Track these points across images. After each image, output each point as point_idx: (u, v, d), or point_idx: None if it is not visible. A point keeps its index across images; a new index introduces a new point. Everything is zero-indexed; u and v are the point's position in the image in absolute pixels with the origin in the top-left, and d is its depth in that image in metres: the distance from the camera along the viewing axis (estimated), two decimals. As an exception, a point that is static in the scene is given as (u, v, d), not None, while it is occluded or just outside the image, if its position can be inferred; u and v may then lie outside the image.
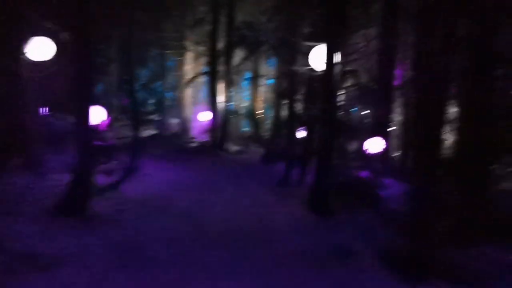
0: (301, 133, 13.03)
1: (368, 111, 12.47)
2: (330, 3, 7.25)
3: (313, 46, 8.06)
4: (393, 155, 16.48)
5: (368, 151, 10.74)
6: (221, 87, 18.67)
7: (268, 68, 22.68)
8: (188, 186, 9.55)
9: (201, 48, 19.09)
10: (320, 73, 8.07)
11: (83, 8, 6.44)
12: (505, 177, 8.34)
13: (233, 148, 17.87)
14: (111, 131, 15.63)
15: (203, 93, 25.13)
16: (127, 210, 7.19)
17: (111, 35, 15.30)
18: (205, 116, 20.35)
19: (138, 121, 10.78)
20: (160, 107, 24.18)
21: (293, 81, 10.73)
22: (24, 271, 4.52)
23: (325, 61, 7.44)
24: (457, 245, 5.62)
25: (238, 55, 17.97)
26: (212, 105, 17.18)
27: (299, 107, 11.82)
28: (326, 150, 7.74)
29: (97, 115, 11.08)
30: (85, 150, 6.60)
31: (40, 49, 8.65)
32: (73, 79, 6.97)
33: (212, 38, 16.89)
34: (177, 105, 22.90)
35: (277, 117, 19.21)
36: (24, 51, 8.50)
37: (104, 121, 11.66)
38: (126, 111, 18.49)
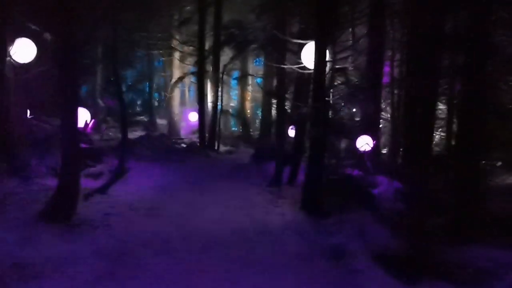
0: (291, 132, 12.98)
1: (357, 109, 12.45)
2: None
3: (302, 44, 7.97)
4: (382, 153, 16.58)
5: (358, 149, 10.71)
6: (209, 87, 18.55)
7: (257, 67, 22.65)
8: (178, 188, 9.39)
9: (189, 48, 18.93)
10: (310, 71, 7.98)
11: (64, 8, 6.24)
12: (496, 173, 8.36)
13: (223, 148, 17.76)
14: (98, 133, 15.42)
15: (191, 93, 25.02)
16: (115, 215, 7.01)
17: (96, 36, 15.06)
18: (193, 117, 20.19)
19: (125, 122, 10.57)
20: (148, 108, 23.97)
21: (282, 79, 10.63)
22: (7, 281, 4.33)
23: (315, 59, 7.35)
24: (452, 243, 5.58)
25: (227, 54, 17.86)
26: (200, 105, 17.02)
27: (288, 105, 11.75)
28: (317, 149, 7.66)
29: (82, 117, 10.87)
30: (71, 154, 6.40)
31: (23, 50, 8.44)
32: (57, 81, 6.77)
33: (200, 37, 16.72)
34: (165, 106, 22.72)
35: (266, 116, 19.19)
36: (9, 53, 8.28)
37: (89, 123, 11.45)
38: (113, 112, 18.31)
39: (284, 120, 11.40)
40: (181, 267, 5.08)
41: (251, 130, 23.39)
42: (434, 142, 6.19)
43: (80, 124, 10.82)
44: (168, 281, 4.70)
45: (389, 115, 16.65)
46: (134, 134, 18.97)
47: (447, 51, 5.97)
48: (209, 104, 18.19)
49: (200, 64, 17.00)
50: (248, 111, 23.51)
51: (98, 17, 10.26)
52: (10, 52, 8.22)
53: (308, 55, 7.70)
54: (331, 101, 8.03)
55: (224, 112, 20.05)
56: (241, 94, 23.12)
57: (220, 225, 6.76)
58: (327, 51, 7.44)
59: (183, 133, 20.63)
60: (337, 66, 8.23)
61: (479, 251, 5.38)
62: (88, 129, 11.70)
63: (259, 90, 22.35)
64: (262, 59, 19.71)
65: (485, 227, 6.16)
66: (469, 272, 4.87)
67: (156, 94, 25.75)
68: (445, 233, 5.91)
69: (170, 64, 20.37)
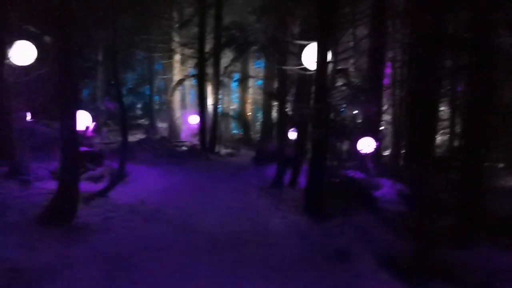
0: (292, 134, 12.91)
1: (359, 110, 12.38)
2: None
3: (303, 45, 7.91)
4: (383, 154, 16.50)
5: (360, 151, 10.64)
6: (210, 89, 18.50)
7: (257, 70, 22.60)
8: (179, 191, 9.32)
9: (189, 51, 18.89)
10: (312, 72, 7.92)
11: (63, 9, 6.18)
12: (498, 174, 8.27)
13: (224, 150, 17.71)
14: (98, 137, 15.37)
15: (192, 96, 24.98)
16: (115, 218, 6.93)
17: (96, 38, 15.05)
18: (194, 119, 20.14)
19: (126, 125, 10.51)
20: (148, 111, 23.95)
21: (283, 81, 10.56)
22: (5, 287, 4.26)
23: (317, 60, 7.29)
24: (456, 245, 5.49)
25: (227, 56, 17.81)
26: (201, 108, 16.96)
27: (289, 107, 11.69)
28: (319, 150, 7.58)
29: (83, 120, 10.82)
30: (70, 157, 6.33)
31: (22, 53, 8.41)
32: (57, 84, 6.72)
33: (200, 39, 16.67)
34: (166, 109, 22.68)
35: (267, 119, 19.14)
36: (8, 56, 8.24)
37: (89, 126, 11.39)
38: (114, 116, 18.28)
39: (285, 122, 11.33)
40: (181, 272, 4.99)
41: (251, 132, 23.34)
42: (436, 143, 6.10)
43: (81, 127, 10.79)
44: (168, 286, 4.62)
45: (390, 117, 16.61)
46: (135, 137, 18.95)
47: (449, 51, 5.89)
48: (210, 107, 18.13)
49: (200, 67, 16.95)
50: (249, 113, 23.46)
51: (98, 19, 10.25)
52: (9, 54, 8.18)
53: (309, 56, 7.64)
54: (332, 103, 7.94)
55: (224, 114, 20.03)
56: (242, 96, 23.08)
57: (221, 228, 6.68)
58: (329, 52, 7.37)
59: (183, 136, 20.57)
60: (338, 67, 8.16)
61: (484, 253, 5.30)
62: (89, 132, 11.65)
63: (260, 92, 22.32)
64: (262, 61, 19.67)
65: (488, 229, 6.08)
66: (478, 276, 4.77)
67: (156, 97, 25.73)
68: (448, 235, 5.82)
69: (170, 67, 20.32)
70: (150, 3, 15.12)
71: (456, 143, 10.38)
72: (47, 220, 6.10)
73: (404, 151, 15.10)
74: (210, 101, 18.33)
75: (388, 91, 15.54)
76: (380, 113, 12.98)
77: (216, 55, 16.78)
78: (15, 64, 8.40)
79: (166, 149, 16.11)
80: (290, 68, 9.31)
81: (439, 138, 12.01)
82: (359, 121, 11.93)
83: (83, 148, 10.05)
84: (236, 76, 22.43)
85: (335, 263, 5.32)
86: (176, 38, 18.96)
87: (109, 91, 19.37)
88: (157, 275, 4.88)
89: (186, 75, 20.00)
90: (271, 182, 10.39)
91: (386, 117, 16.61)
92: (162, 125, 23.47)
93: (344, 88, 10.18)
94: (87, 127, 11.18)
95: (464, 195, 6.07)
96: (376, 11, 11.43)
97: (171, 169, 11.88)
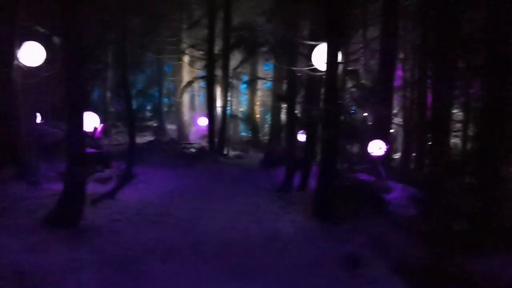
0: (301, 136, 12.77)
1: (369, 112, 12.21)
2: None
3: (313, 46, 7.79)
4: (394, 157, 16.28)
5: (370, 154, 10.47)
6: (219, 91, 18.45)
7: (266, 72, 22.50)
8: (187, 193, 9.23)
9: (198, 52, 18.87)
10: (321, 73, 7.78)
11: (73, 11, 6.14)
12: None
13: (232, 152, 17.63)
14: (107, 138, 15.39)
15: (200, 98, 24.96)
16: (122, 220, 6.86)
17: (106, 40, 15.08)
18: (203, 121, 20.10)
19: (134, 127, 10.48)
20: (157, 113, 23.98)
21: (292, 82, 10.43)
22: (9, 290, 4.20)
23: (327, 60, 7.15)
24: (472, 251, 5.30)
25: (236, 59, 17.76)
26: (210, 110, 16.91)
27: (298, 109, 11.56)
28: (329, 153, 7.43)
29: (91, 121, 10.82)
30: (77, 159, 6.28)
31: (31, 54, 8.40)
32: (64, 85, 6.67)
33: (209, 41, 16.62)
34: (175, 111, 22.68)
35: (275, 121, 19.02)
36: (17, 57, 8.24)
37: (98, 128, 11.38)
38: (123, 117, 18.30)
39: (294, 124, 11.19)
40: (187, 276, 4.89)
41: (260, 134, 23.24)
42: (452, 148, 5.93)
43: (89, 128, 10.80)
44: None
45: (401, 119, 16.40)
46: (144, 139, 18.95)
47: (463, 52, 5.72)
48: (219, 109, 18.07)
49: (209, 68, 16.90)
50: (258, 115, 23.36)
51: (107, 21, 10.24)
52: (18, 55, 8.18)
53: (319, 57, 7.51)
54: (343, 104, 7.80)
55: (233, 116, 19.93)
56: (251, 98, 22.99)
57: (228, 232, 6.55)
58: (339, 53, 7.23)
59: (192, 138, 20.55)
60: (349, 68, 8.02)
61: (501, 261, 5.10)
62: (97, 134, 11.64)
63: (269, 94, 22.21)
64: (271, 63, 19.57)
65: (504, 235, 5.87)
66: (495, 285, 4.58)
67: (165, 99, 25.76)
68: (463, 241, 5.63)
69: (179, 68, 20.33)
70: (159, 5, 15.10)
71: (469, 146, 10.19)
72: (53, 222, 6.06)
73: (415, 154, 14.92)
74: (219, 103, 18.28)
75: (399, 93, 15.36)
76: (390, 115, 12.81)
77: (225, 56, 16.71)
78: (24, 65, 8.39)
79: (174, 151, 16.06)
80: (299, 69, 9.18)
81: (451, 141, 11.79)
82: (369, 123, 11.77)
83: (90, 150, 10.04)
84: (245, 77, 22.36)
85: (347, 269, 5.16)
86: (185, 40, 18.94)
87: (119, 93, 19.41)
88: (163, 280, 4.78)
89: (195, 77, 19.99)
90: (280, 184, 10.25)
91: (397, 119, 16.41)
92: (171, 127, 23.49)
93: (354, 89, 10.05)
94: (95, 129, 11.17)
95: (479, 200, 5.88)
96: (387, 12, 11.26)
97: (179, 171, 11.80)
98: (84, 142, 6.64)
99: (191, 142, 19.27)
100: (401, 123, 16.27)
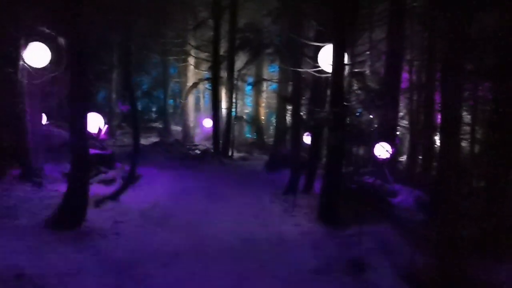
0: (306, 139, 12.67)
1: (374, 115, 12.10)
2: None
3: (319, 47, 7.70)
4: (399, 160, 16.13)
5: (377, 157, 10.35)
6: (224, 93, 18.40)
7: (271, 74, 22.44)
8: (191, 195, 9.17)
9: (203, 54, 18.85)
10: (327, 74, 7.69)
11: (76, 11, 6.11)
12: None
13: (237, 154, 17.56)
14: (111, 139, 15.38)
15: (206, 99, 24.94)
16: (125, 222, 6.80)
17: (111, 41, 15.08)
18: (208, 123, 20.06)
19: (138, 128, 10.44)
20: (162, 114, 23.99)
21: (298, 84, 10.34)
22: (8, 294, 4.14)
23: (333, 62, 7.06)
24: (482, 258, 5.17)
25: (241, 61, 17.71)
26: (215, 111, 16.86)
27: (304, 111, 11.46)
28: (335, 155, 7.33)
29: (96, 123, 10.80)
30: (80, 160, 6.23)
31: (36, 55, 8.39)
32: (69, 86, 6.64)
33: (214, 42, 16.58)
34: (180, 112, 22.67)
35: (280, 123, 18.93)
36: (22, 57, 8.23)
37: (102, 129, 11.36)
38: (128, 118, 18.30)
39: (299, 126, 11.10)
40: (191, 280, 4.82)
41: (265, 136, 23.15)
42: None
43: (93, 129, 10.78)
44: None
45: (407, 122, 16.25)
46: (148, 140, 18.97)
47: (474, 53, 5.60)
48: (224, 111, 18.02)
49: (214, 70, 16.86)
50: (263, 117, 23.29)
51: (112, 22, 10.20)
52: (23, 56, 8.17)
53: (325, 58, 7.42)
54: (349, 106, 7.70)
55: (238, 118, 19.87)
56: (256, 100, 22.92)
57: (232, 235, 6.47)
58: (345, 54, 7.14)
59: (197, 139, 20.52)
60: (355, 70, 7.92)
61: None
62: (101, 135, 11.63)
63: (274, 96, 22.14)
64: (277, 64, 19.51)
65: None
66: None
67: (171, 101, 25.77)
68: (473, 246, 5.50)
69: (184, 70, 20.32)
70: (165, 6, 15.08)
71: (476, 149, 10.04)
72: (56, 224, 6.01)
73: (421, 157, 14.77)
74: (224, 105, 18.23)
75: (405, 95, 15.22)
76: (396, 118, 12.68)
77: (230, 58, 16.67)
78: (29, 66, 8.37)
79: (179, 153, 16.04)
80: (305, 70, 9.09)
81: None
82: (375, 126, 11.66)
83: (95, 151, 10.00)
84: (250, 79, 22.31)
85: (352, 275, 5.06)
86: (191, 41, 18.93)
87: (124, 94, 19.42)
88: (166, 284, 4.71)
89: (200, 79, 19.96)
90: (284, 187, 10.16)
91: (403, 122, 16.27)
92: (176, 128, 23.48)
93: (360, 92, 9.94)
94: (100, 130, 11.15)
95: (489, 204, 5.75)
96: (393, 13, 11.15)
97: (183, 173, 11.76)
98: (88, 143, 6.60)
99: (196, 143, 19.24)
100: (407, 125, 16.12)
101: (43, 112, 11.36)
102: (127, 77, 11.39)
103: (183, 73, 20.73)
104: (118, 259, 5.25)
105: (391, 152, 10.44)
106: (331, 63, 7.13)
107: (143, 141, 16.38)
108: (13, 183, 8.09)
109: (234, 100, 17.31)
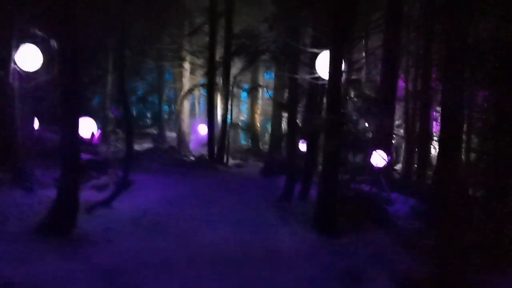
0: (302, 146, 12.59)
1: (371, 123, 12.07)
2: (338, 4, 6.78)
3: (316, 54, 7.64)
4: (395, 169, 16.10)
5: (373, 165, 10.28)
6: (219, 99, 18.35)
7: (267, 81, 22.44)
8: (185, 203, 9.00)
9: (199, 60, 18.80)
10: (324, 81, 7.62)
11: (69, 13, 6.00)
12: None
13: (232, 161, 17.46)
14: (105, 144, 15.21)
15: (201, 105, 24.86)
16: (118, 229, 6.65)
17: (106, 46, 14.99)
18: (203, 129, 19.97)
19: (132, 134, 10.31)
20: (157, 120, 23.85)
21: (294, 91, 10.28)
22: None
23: (330, 68, 6.99)
24: (482, 269, 5.07)
25: (237, 67, 17.68)
26: (210, 118, 16.76)
27: (299, 118, 11.39)
28: (332, 163, 7.23)
29: (89, 127, 10.66)
30: (71, 165, 6.09)
31: (28, 57, 8.27)
32: (61, 89, 6.52)
33: (210, 48, 16.53)
34: (175, 118, 22.55)
35: (276, 130, 18.88)
36: (14, 60, 8.10)
37: (95, 134, 11.21)
38: (122, 123, 18.15)
39: (295, 133, 11.02)
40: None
41: (260, 143, 23.08)
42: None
43: (86, 134, 10.63)
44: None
45: (402, 130, 16.25)
46: (143, 146, 18.79)
47: (474, 58, 5.54)
48: (219, 117, 17.94)
49: (210, 76, 16.80)
50: (258, 124, 23.24)
51: (107, 26, 10.12)
52: (15, 59, 8.04)
53: (322, 65, 7.35)
54: (346, 114, 7.63)
55: (233, 125, 19.80)
56: (251, 107, 22.89)
57: (227, 243, 6.32)
58: (344, 59, 7.07)
59: (192, 146, 20.39)
60: (352, 77, 7.86)
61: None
62: (94, 140, 11.48)
63: (269, 103, 22.11)
64: (272, 71, 19.52)
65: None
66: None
67: (166, 107, 25.64)
68: (473, 257, 5.40)
69: (180, 76, 20.24)
70: (161, 11, 15.03)
71: (472, 158, 10.00)
72: (46, 231, 5.86)
73: (416, 165, 14.76)
74: (219, 111, 18.16)
75: (401, 104, 15.23)
76: (392, 126, 12.65)
77: (226, 64, 16.62)
78: (21, 69, 8.24)
79: (173, 159, 15.89)
80: (301, 77, 9.02)
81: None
82: (371, 133, 11.61)
83: (87, 156, 9.86)
84: (246, 86, 22.28)
85: (349, 285, 4.94)
86: (187, 47, 18.88)
87: (119, 99, 19.27)
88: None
89: (195, 85, 19.89)
90: (280, 195, 10.04)
91: (399, 130, 16.27)
92: (170, 134, 23.34)
93: (356, 99, 9.89)
94: (93, 135, 11.01)
95: (489, 213, 5.66)
96: (390, 21, 11.15)
97: (177, 179, 11.61)
98: (79, 148, 6.46)
99: (191, 150, 19.11)
100: (403, 134, 16.12)
101: (35, 116, 11.23)
102: (122, 82, 11.28)
103: (178, 79, 20.66)
104: (109, 267, 5.09)
105: (387, 160, 10.38)
106: (328, 70, 7.06)
107: (137, 147, 16.21)
108: (2, 188, 7.91)
109: (229, 107, 17.25)
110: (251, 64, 16.28)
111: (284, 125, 18.05)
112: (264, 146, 22.71)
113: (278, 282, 5.04)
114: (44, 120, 11.91)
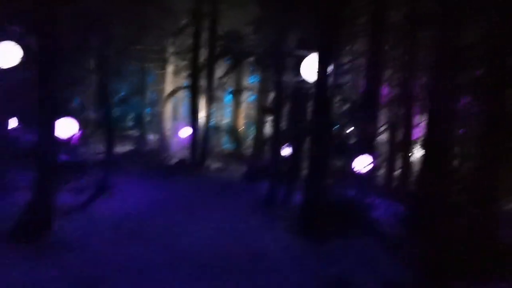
0: (285, 150, 12.50)
1: (354, 127, 12.07)
2: (324, 8, 6.71)
3: (302, 57, 7.55)
4: (378, 174, 16.16)
5: (356, 170, 10.25)
6: (202, 102, 18.15)
7: (251, 84, 22.31)
8: (165, 207, 8.79)
9: (183, 62, 18.56)
10: (310, 85, 7.53)
11: (49, 10, 5.76)
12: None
13: (214, 165, 17.26)
14: (84, 146, 14.81)
15: (184, 108, 24.54)
16: (95, 235, 6.41)
17: (88, 46, 14.64)
18: (185, 132, 19.70)
19: (112, 135, 10.05)
20: (139, 122, 23.44)
21: (279, 94, 10.19)
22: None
23: (318, 71, 6.90)
24: (467, 277, 5.01)
25: (221, 69, 17.51)
26: (193, 120, 16.54)
27: (283, 122, 11.29)
28: (317, 168, 7.12)
29: (68, 128, 10.31)
30: (47, 167, 5.82)
31: (6, 54, 7.94)
32: (37, 88, 6.25)
33: (194, 49, 16.33)
34: (157, 121, 22.21)
35: (259, 133, 18.74)
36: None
37: (75, 134, 10.87)
38: (103, 125, 17.76)
39: (279, 137, 10.91)
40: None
41: (243, 147, 22.92)
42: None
43: (64, 135, 10.28)
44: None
45: (386, 136, 16.34)
46: (123, 148, 18.40)
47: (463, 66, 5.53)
48: (202, 120, 17.74)
49: (193, 78, 16.59)
50: (241, 128, 23.08)
51: (88, 25, 9.84)
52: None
53: (309, 68, 7.25)
54: (332, 118, 7.55)
55: (216, 128, 19.62)
56: (235, 110, 22.72)
57: (209, 250, 6.11)
58: (330, 63, 6.98)
59: (174, 148, 20.09)
60: (339, 81, 7.80)
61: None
62: (73, 141, 11.13)
63: (253, 107, 21.99)
64: (257, 75, 19.41)
65: (498, 259, 5.62)
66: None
67: (148, 109, 25.24)
68: (457, 265, 5.35)
69: (163, 77, 19.95)
70: (144, 12, 14.75)
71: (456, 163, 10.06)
72: (18, 236, 5.58)
73: (399, 171, 14.84)
74: (202, 114, 17.95)
75: (385, 109, 15.32)
76: (376, 131, 12.69)
77: (210, 66, 16.45)
78: (-1, 66, 7.91)
79: (155, 162, 15.66)
80: (287, 80, 8.92)
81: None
82: (355, 138, 11.61)
83: (64, 158, 9.55)
84: (230, 89, 22.11)
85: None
86: (170, 48, 18.62)
87: (101, 100, 18.87)
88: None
89: (179, 87, 19.63)
90: (263, 199, 9.90)
91: (382, 136, 16.33)
92: (152, 137, 22.97)
93: (341, 103, 9.86)
94: (72, 136, 10.66)
95: (474, 221, 5.63)
96: (374, 26, 11.18)
97: (158, 183, 11.39)
98: (56, 149, 6.20)
99: (173, 153, 18.83)
100: (386, 139, 16.20)
101: (14, 116, 10.84)
102: (103, 83, 11.03)
103: (161, 80, 20.36)
104: (85, 275, 4.86)
105: (370, 165, 10.36)
106: (316, 73, 6.96)
107: (118, 149, 15.85)
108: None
109: (212, 110, 17.06)
110: (236, 66, 16.16)
111: (267, 129, 17.94)
112: (247, 150, 22.55)
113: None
114: (23, 120, 11.55)
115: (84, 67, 17.17)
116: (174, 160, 16.60)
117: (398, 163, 15.19)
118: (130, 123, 24.51)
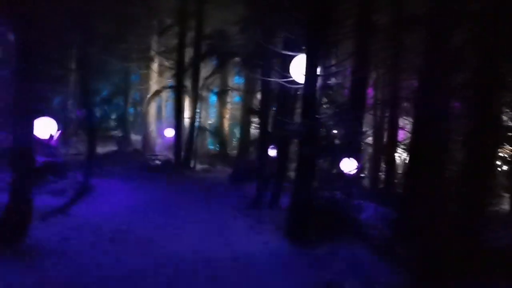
0: (272, 151, 12.37)
1: (340, 129, 12.01)
2: (313, 7, 6.60)
3: (289, 57, 7.42)
4: (363, 176, 16.18)
5: (343, 172, 10.18)
6: (187, 102, 17.94)
7: (237, 85, 22.14)
8: (149, 209, 8.57)
9: (168, 62, 18.30)
10: (299, 85, 7.41)
11: (29, 7, 5.50)
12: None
13: (199, 166, 17.07)
14: (65, 146, 14.43)
15: (168, 108, 24.22)
16: (75, 239, 6.16)
17: (69, 44, 14.27)
18: (169, 133, 19.43)
19: (94, 135, 9.77)
20: (122, 123, 23.01)
21: (266, 95, 10.06)
22: None
23: (307, 72, 6.78)
24: (455, 277, 4.95)
25: (207, 69, 17.32)
26: (177, 121, 16.31)
27: (270, 123, 11.16)
28: (305, 169, 6.99)
29: (47, 128, 9.99)
30: (24, 168, 5.55)
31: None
32: (13, 86, 5.97)
33: (179, 49, 16.09)
34: (140, 121, 21.87)
35: (245, 135, 18.59)
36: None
37: (54, 135, 10.54)
38: (85, 125, 17.35)
39: (266, 138, 10.78)
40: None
41: (228, 148, 22.73)
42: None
43: (44, 135, 9.96)
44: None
45: (371, 138, 16.37)
46: (106, 149, 18.04)
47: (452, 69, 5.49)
48: (186, 120, 17.51)
49: (178, 78, 16.36)
50: (226, 128, 22.89)
51: (68, 22, 9.54)
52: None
53: (297, 68, 7.12)
54: (321, 119, 7.44)
55: (201, 129, 19.41)
56: (220, 111, 22.52)
57: (194, 254, 5.91)
58: (319, 63, 6.87)
59: (158, 149, 19.81)
60: (327, 82, 7.69)
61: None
62: (53, 141, 10.80)
63: (238, 108, 21.82)
64: (242, 76, 19.27)
65: (485, 259, 5.59)
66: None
67: (131, 109, 24.82)
68: (446, 266, 5.29)
69: (147, 77, 19.65)
70: (128, 10, 14.45)
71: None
72: (-7, 240, 5.28)
73: (384, 173, 14.88)
74: (187, 114, 17.72)
75: (370, 112, 15.34)
76: (361, 133, 12.67)
77: (196, 66, 16.24)
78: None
79: (138, 163, 15.39)
80: (275, 80, 8.79)
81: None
82: (341, 140, 11.55)
83: (44, 158, 9.24)
84: (215, 90, 21.92)
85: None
86: (154, 48, 18.34)
87: (84, 99, 18.44)
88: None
89: (163, 86, 19.37)
90: (249, 202, 9.75)
91: (367, 138, 16.36)
92: (136, 137, 22.61)
93: (328, 105, 9.76)
94: (52, 136, 10.33)
95: (463, 224, 5.59)
96: (360, 28, 11.14)
97: (142, 184, 11.15)
98: (34, 149, 5.91)
99: (157, 154, 18.55)
100: (371, 141, 16.24)
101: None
102: (85, 82, 10.73)
103: (145, 80, 20.06)
104: (63, 283, 4.62)
105: (357, 168, 10.31)
106: (304, 74, 6.84)
107: (100, 150, 15.53)
108: None
109: (197, 110, 16.85)
110: (222, 66, 16.00)
111: (253, 130, 17.81)
112: (232, 151, 22.37)
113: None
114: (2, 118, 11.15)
115: (65, 66, 16.78)
116: (158, 161, 16.34)
117: (383, 165, 15.24)
118: (113, 123, 24.10)
